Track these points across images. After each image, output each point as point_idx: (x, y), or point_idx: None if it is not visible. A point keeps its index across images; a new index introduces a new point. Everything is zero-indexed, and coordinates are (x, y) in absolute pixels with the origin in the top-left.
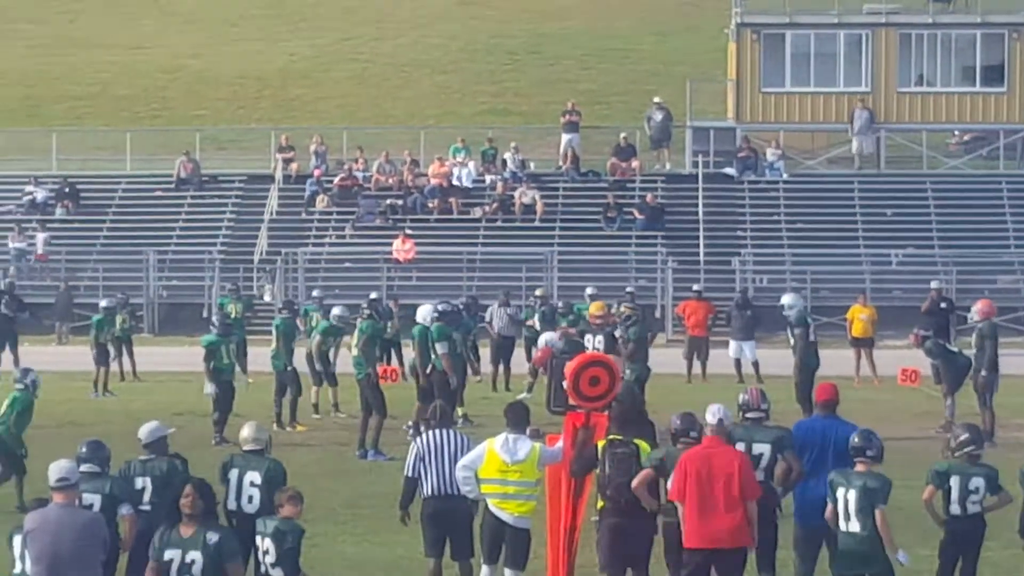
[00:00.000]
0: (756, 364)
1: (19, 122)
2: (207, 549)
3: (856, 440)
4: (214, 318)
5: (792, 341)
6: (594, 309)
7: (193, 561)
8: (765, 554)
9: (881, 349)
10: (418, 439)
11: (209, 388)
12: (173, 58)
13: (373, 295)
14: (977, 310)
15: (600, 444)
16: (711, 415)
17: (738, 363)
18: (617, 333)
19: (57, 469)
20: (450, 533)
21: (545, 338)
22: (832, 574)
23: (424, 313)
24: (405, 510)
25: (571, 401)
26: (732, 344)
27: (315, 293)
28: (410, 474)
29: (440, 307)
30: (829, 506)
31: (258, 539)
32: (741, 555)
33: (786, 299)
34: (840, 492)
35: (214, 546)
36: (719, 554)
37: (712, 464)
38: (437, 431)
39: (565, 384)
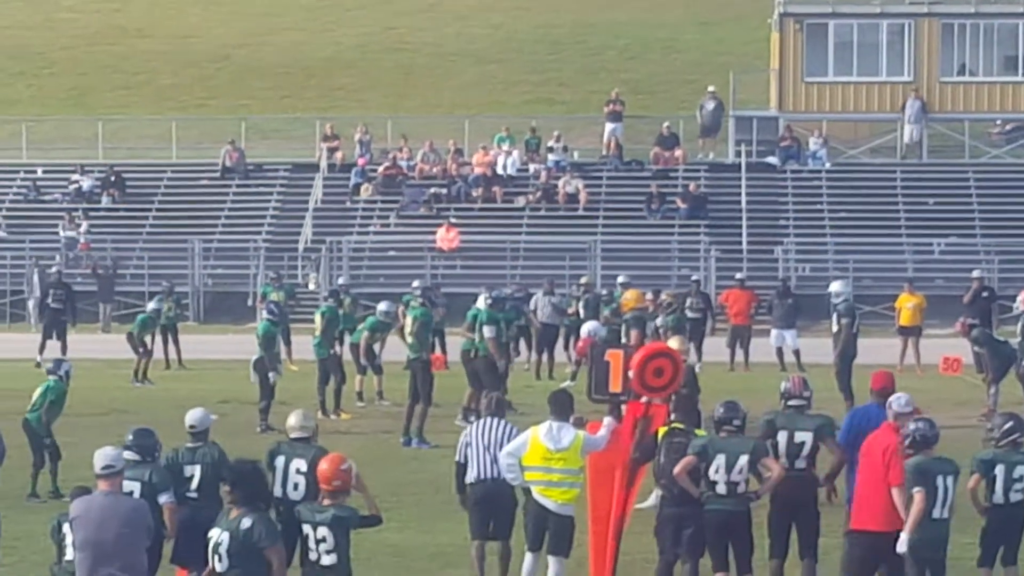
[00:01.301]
0: (797, 352)
1: (66, 111)
2: (237, 532)
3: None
4: (270, 306)
5: (836, 329)
6: (631, 297)
7: (221, 542)
8: (808, 541)
9: (924, 338)
10: (469, 428)
11: (254, 376)
12: (219, 47)
13: (415, 283)
14: (1021, 300)
15: (661, 432)
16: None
17: (780, 351)
18: (658, 321)
19: (102, 456)
20: (494, 516)
21: (588, 328)
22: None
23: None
24: (462, 494)
25: (635, 391)
26: (774, 332)
27: (341, 280)
28: (460, 460)
29: (493, 294)
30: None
31: (307, 527)
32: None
33: (834, 287)
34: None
35: (244, 531)
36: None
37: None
38: (488, 419)
39: (631, 373)
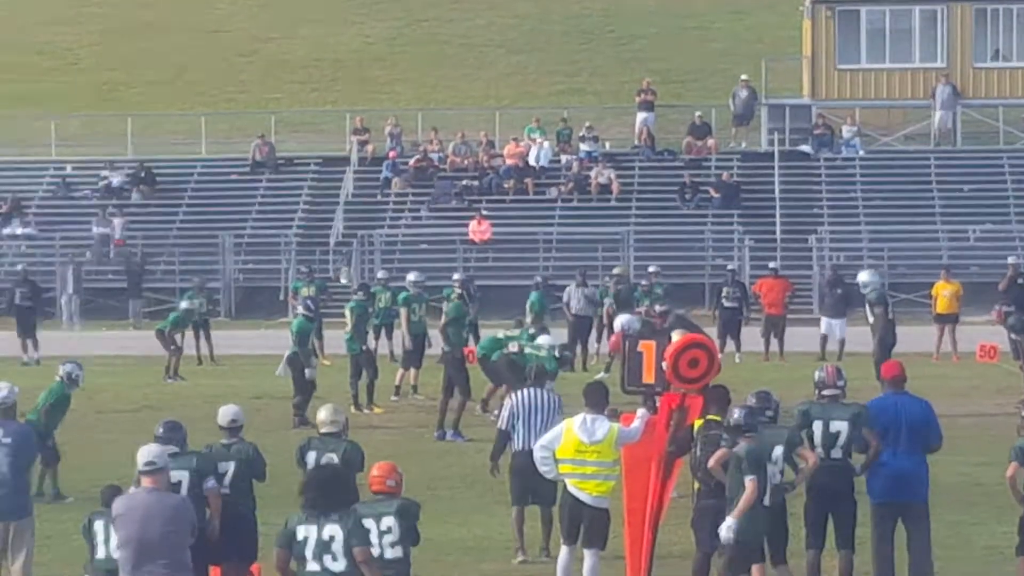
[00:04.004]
0: (842, 342)
1: (95, 107)
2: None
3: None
4: (306, 302)
5: (871, 319)
6: None
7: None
8: (845, 531)
9: (960, 324)
10: (513, 395)
11: (281, 369)
12: (248, 41)
13: (456, 276)
14: None
15: (697, 424)
16: None
17: (824, 340)
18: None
19: (146, 453)
20: (535, 485)
21: (621, 321)
22: None
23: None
24: (495, 461)
25: (669, 383)
26: (823, 321)
27: (380, 274)
28: (504, 427)
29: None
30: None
31: (369, 521)
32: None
33: (863, 276)
34: None
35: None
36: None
37: None
38: (531, 389)
39: (665, 364)
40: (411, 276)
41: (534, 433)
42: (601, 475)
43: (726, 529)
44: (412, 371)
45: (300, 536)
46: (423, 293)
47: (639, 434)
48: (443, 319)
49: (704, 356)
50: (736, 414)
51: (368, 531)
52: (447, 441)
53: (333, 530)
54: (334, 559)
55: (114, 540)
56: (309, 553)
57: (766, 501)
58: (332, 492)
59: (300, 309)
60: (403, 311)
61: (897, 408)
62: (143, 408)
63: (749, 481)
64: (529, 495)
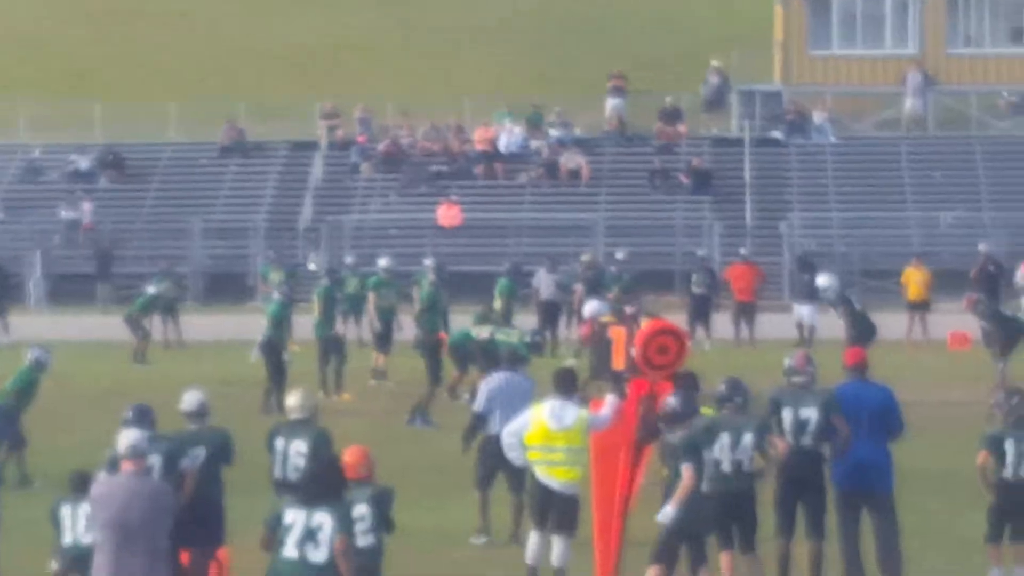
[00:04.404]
0: (812, 329)
1: (64, 91)
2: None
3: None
4: (283, 288)
5: (840, 319)
6: None
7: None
8: (815, 519)
9: (931, 312)
10: (489, 379)
11: (255, 355)
12: (218, 26)
13: (427, 261)
14: (1022, 275)
15: None
16: None
17: (800, 326)
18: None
19: (127, 437)
20: (505, 468)
21: (589, 310)
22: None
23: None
24: (468, 443)
25: (638, 368)
26: (795, 307)
27: (349, 260)
28: (480, 409)
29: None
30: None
31: None
32: None
33: (821, 280)
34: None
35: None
36: None
37: None
38: (508, 373)
39: (634, 351)
40: (382, 261)
41: (510, 417)
42: (570, 462)
43: (663, 516)
44: (380, 357)
45: (287, 520)
46: (393, 279)
47: (609, 421)
48: (418, 306)
49: (674, 343)
50: (671, 402)
51: (355, 523)
52: (415, 427)
53: (323, 518)
54: (316, 548)
55: (81, 525)
56: (291, 539)
57: (703, 487)
58: (325, 482)
59: (276, 294)
60: (371, 295)
61: (859, 396)
62: (110, 393)
63: (686, 470)
64: (494, 479)
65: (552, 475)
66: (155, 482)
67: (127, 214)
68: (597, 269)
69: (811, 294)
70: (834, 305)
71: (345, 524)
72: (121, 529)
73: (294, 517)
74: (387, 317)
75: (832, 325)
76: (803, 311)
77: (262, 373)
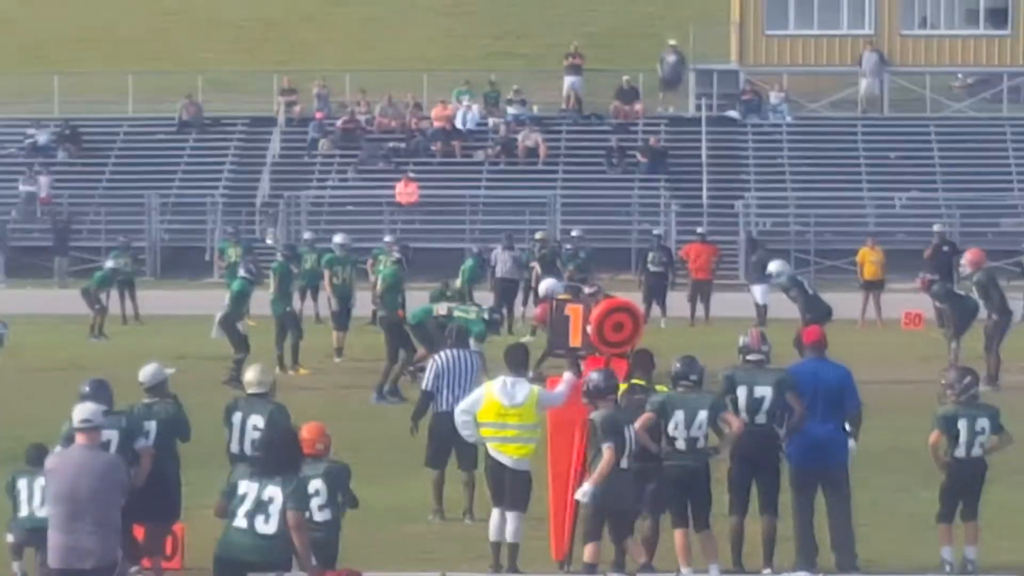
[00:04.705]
0: (764, 307)
1: (21, 65)
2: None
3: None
4: (248, 265)
5: (793, 303)
6: None
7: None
8: (769, 497)
9: (885, 292)
10: (437, 357)
11: (216, 332)
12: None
13: (387, 237)
14: (968, 261)
15: (621, 388)
16: None
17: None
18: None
19: (81, 411)
20: (457, 446)
21: (544, 288)
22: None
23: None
24: (416, 422)
25: (593, 346)
26: (751, 288)
27: (306, 236)
28: (428, 388)
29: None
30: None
31: None
32: None
33: (772, 267)
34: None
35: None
36: None
37: None
38: (455, 351)
39: (589, 328)
40: (337, 238)
41: (458, 394)
42: (523, 438)
43: (581, 494)
44: (339, 334)
45: (241, 491)
46: (349, 255)
47: (563, 399)
48: (380, 284)
49: (628, 320)
50: (593, 378)
51: (308, 497)
52: (377, 405)
53: (274, 492)
54: (266, 521)
55: (37, 499)
56: (242, 510)
57: (624, 464)
58: (282, 455)
59: (242, 271)
60: (326, 273)
61: (816, 374)
62: (68, 367)
63: (606, 448)
64: (447, 458)
65: (504, 452)
66: (106, 456)
67: (85, 188)
68: (552, 247)
69: (762, 274)
70: (786, 290)
71: (297, 499)
72: (71, 502)
73: (247, 488)
74: (343, 294)
75: (786, 305)
76: (754, 290)
77: (221, 349)
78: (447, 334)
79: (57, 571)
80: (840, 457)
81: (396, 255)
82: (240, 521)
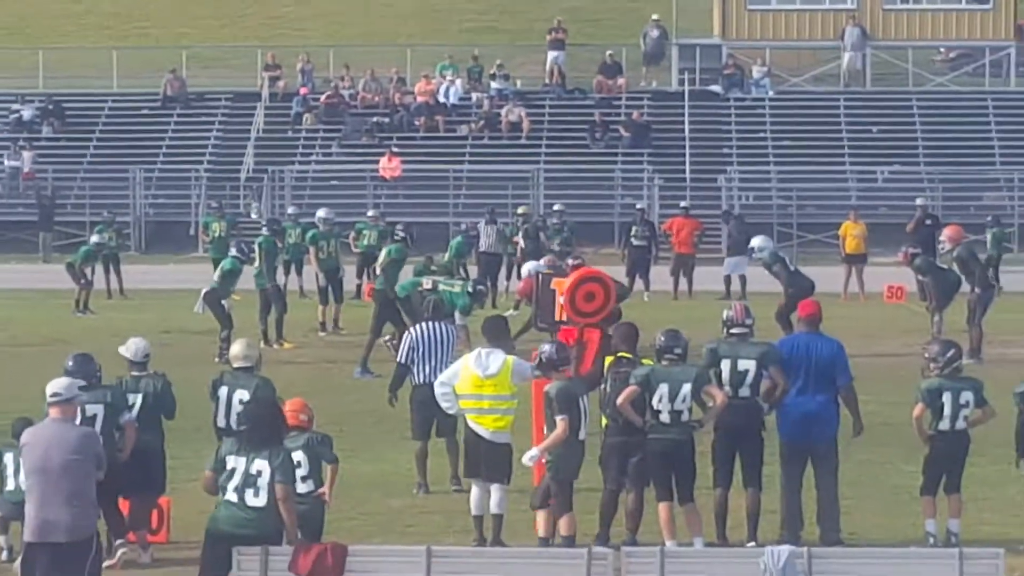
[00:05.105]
0: (742, 279)
1: (5, 40)
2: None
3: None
4: (240, 245)
5: (777, 279)
6: None
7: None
8: (753, 470)
9: (868, 266)
10: (412, 329)
11: (199, 306)
12: None
13: (370, 212)
14: (947, 237)
15: (607, 361)
16: None
17: (727, 279)
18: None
19: (53, 384)
20: (437, 416)
21: (528, 268)
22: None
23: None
24: (393, 393)
25: (566, 317)
26: (724, 260)
27: (290, 210)
28: (403, 360)
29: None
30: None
31: None
32: None
33: (755, 241)
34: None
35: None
36: None
37: None
38: (431, 323)
39: (562, 299)
40: (320, 213)
41: (434, 367)
42: (499, 409)
43: (527, 458)
44: (324, 308)
45: (229, 465)
46: (334, 229)
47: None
48: (383, 258)
49: (600, 289)
50: (545, 349)
51: (295, 468)
52: (361, 378)
53: (261, 465)
54: (255, 495)
55: (24, 473)
56: (231, 484)
57: (581, 435)
58: (266, 427)
59: (234, 251)
60: (312, 249)
61: (808, 347)
62: (53, 341)
63: (560, 420)
64: (431, 428)
65: (481, 423)
66: (80, 428)
67: (69, 164)
68: (534, 222)
69: (738, 247)
70: (769, 265)
71: (284, 471)
72: (42, 475)
73: (235, 463)
74: (329, 267)
75: (764, 278)
76: (730, 263)
77: (206, 323)
78: (424, 307)
79: (32, 545)
80: (830, 431)
81: (400, 234)
82: (231, 495)
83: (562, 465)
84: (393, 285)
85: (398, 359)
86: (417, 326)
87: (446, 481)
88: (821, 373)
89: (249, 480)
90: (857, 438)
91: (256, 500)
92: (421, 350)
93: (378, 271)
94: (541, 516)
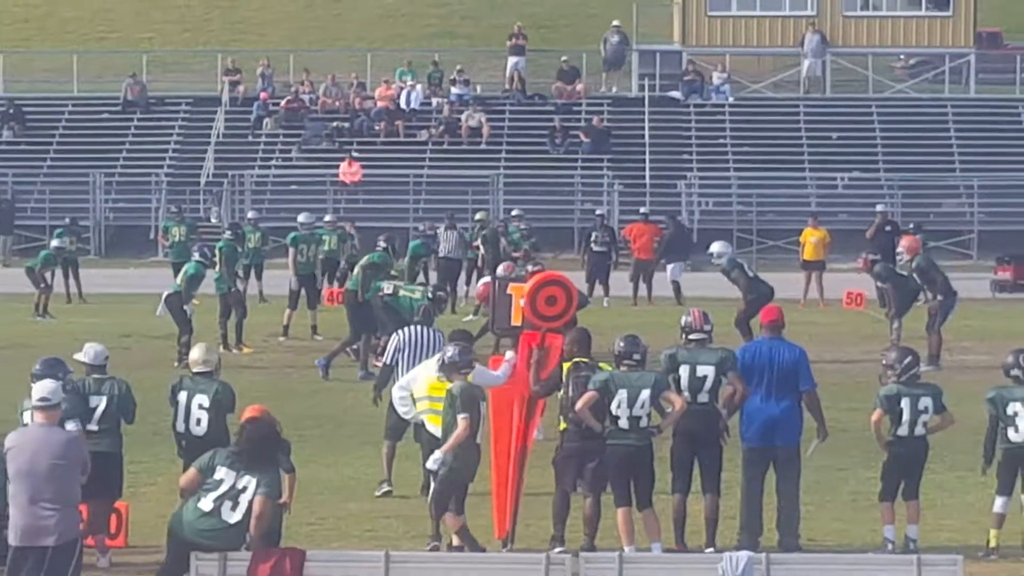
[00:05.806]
0: (675, 284)
1: None
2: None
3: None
4: (203, 249)
5: (735, 284)
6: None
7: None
8: (711, 475)
9: (827, 272)
10: (399, 332)
11: (160, 309)
12: None
13: (327, 216)
14: (904, 248)
15: (566, 366)
16: None
17: (675, 284)
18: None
19: (40, 389)
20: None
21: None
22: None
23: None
24: (378, 392)
25: (528, 321)
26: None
27: (250, 215)
28: (388, 361)
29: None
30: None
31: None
32: None
33: (714, 247)
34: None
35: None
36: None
37: None
38: (419, 327)
39: (522, 302)
40: (302, 217)
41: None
42: None
43: (433, 462)
44: (292, 312)
45: (217, 475)
46: (313, 234)
47: (504, 378)
48: (365, 260)
49: (561, 293)
50: (450, 351)
51: (280, 485)
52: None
53: (248, 483)
54: (233, 509)
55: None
56: (213, 493)
57: (479, 438)
58: (265, 449)
59: (196, 255)
60: (291, 251)
61: (771, 353)
62: (13, 346)
63: (462, 419)
64: (403, 432)
65: (438, 425)
66: (65, 433)
67: (29, 167)
68: (492, 228)
69: (677, 254)
70: (727, 272)
71: (270, 486)
72: (29, 479)
73: (224, 475)
74: (306, 272)
75: (710, 284)
76: (668, 269)
77: (165, 327)
78: (415, 311)
79: (17, 549)
80: (793, 437)
81: (383, 244)
82: (206, 503)
83: (458, 466)
84: (366, 287)
85: (384, 360)
86: (406, 328)
87: (406, 486)
88: (784, 379)
89: (232, 494)
90: (822, 443)
91: (232, 515)
92: (407, 352)
93: (354, 272)
94: (448, 519)
